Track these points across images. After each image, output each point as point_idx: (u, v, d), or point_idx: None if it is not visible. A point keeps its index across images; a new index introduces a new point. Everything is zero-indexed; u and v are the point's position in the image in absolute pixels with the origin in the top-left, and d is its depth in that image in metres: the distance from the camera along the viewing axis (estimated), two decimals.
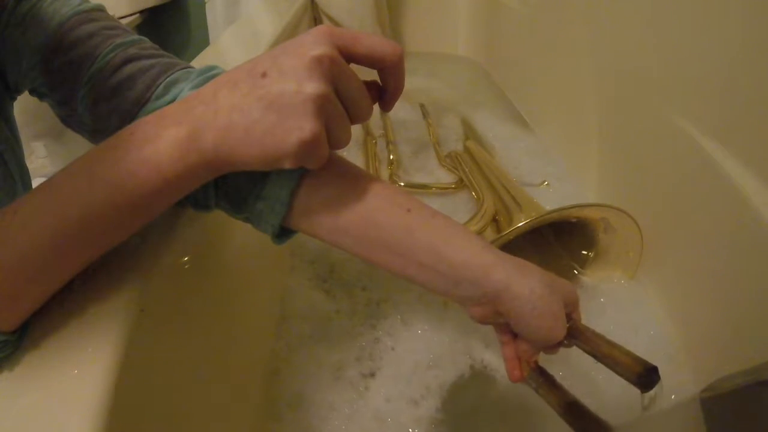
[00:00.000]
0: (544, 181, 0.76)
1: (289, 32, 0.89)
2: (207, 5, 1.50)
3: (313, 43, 0.27)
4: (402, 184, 0.76)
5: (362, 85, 0.30)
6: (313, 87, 0.26)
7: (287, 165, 0.28)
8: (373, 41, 0.28)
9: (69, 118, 0.40)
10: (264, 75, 0.27)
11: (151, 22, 1.60)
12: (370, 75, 0.31)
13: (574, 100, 0.79)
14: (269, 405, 0.47)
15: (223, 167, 0.29)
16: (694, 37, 0.51)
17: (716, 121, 0.48)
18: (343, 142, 0.30)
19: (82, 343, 0.28)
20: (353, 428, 0.45)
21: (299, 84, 0.26)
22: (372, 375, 0.50)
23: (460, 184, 0.75)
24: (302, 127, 0.26)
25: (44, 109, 0.42)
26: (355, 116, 0.30)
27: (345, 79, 0.28)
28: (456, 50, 1.36)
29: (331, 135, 0.28)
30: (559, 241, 0.62)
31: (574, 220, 0.56)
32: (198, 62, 0.66)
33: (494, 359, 0.51)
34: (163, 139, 0.27)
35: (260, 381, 0.48)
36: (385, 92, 0.32)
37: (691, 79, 0.51)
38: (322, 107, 0.27)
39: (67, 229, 0.27)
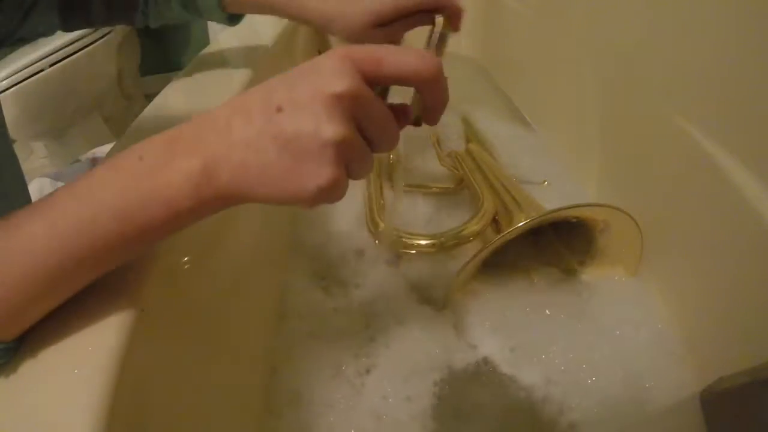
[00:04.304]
0: (545, 180, 0.75)
1: (290, 32, 0.89)
2: None
3: (332, 75, 0.24)
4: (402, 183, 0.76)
5: (388, 115, 0.27)
6: (332, 131, 0.24)
7: (305, 207, 0.27)
8: (401, 60, 0.26)
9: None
10: (279, 109, 0.25)
11: None
12: None
13: (575, 99, 0.79)
14: (268, 402, 0.47)
15: (237, 201, 0.28)
16: (695, 37, 0.51)
17: (716, 122, 0.48)
18: (364, 175, 0.28)
19: (82, 343, 0.28)
20: (350, 425, 0.45)
21: (317, 125, 0.24)
22: (369, 373, 0.50)
23: (460, 184, 0.75)
24: (320, 174, 0.25)
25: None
26: (379, 148, 0.28)
27: (368, 114, 0.26)
28: (456, 50, 1.35)
29: (352, 172, 0.27)
30: (559, 240, 0.62)
31: (574, 219, 0.56)
32: (198, 62, 0.66)
33: (492, 357, 0.51)
34: (175, 171, 0.26)
35: (259, 379, 0.48)
36: (425, 108, 0.29)
37: (692, 78, 0.51)
38: (341, 153, 0.25)
39: (74, 255, 0.27)
